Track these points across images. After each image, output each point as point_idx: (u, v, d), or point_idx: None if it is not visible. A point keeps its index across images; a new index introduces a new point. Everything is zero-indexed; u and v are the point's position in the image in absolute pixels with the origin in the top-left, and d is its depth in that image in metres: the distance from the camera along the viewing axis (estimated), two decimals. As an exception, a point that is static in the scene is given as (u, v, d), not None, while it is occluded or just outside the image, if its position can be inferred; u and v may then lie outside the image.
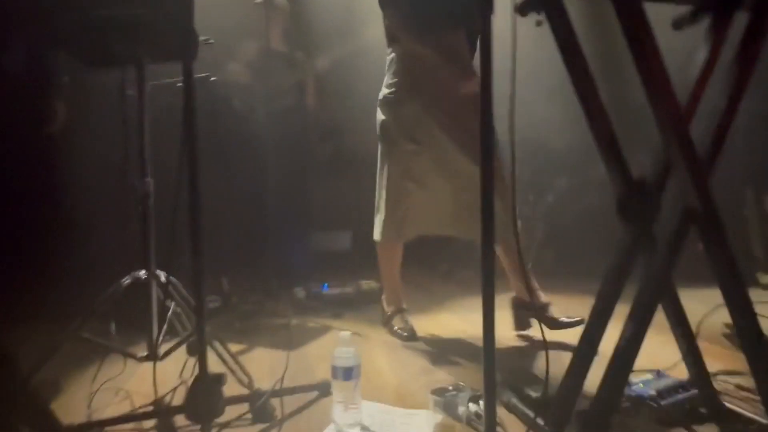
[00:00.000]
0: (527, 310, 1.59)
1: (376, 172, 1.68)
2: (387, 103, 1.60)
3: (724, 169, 0.83)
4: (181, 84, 0.98)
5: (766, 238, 2.13)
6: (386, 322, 1.69)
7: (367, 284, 2.20)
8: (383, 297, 1.76)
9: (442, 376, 1.29)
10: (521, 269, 1.54)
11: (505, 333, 1.61)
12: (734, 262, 0.77)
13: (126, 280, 1.22)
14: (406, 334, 1.60)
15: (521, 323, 1.60)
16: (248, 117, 2.46)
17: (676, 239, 0.79)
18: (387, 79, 1.61)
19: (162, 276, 1.21)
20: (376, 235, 1.66)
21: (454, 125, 1.51)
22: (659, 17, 0.89)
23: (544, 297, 1.57)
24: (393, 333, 1.64)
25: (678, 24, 0.88)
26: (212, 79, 2.23)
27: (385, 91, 1.62)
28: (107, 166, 1.88)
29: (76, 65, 1.34)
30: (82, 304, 1.24)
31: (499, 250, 1.54)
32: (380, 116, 1.63)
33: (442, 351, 1.51)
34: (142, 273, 1.21)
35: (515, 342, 1.57)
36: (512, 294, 1.62)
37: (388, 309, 1.71)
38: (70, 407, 1.11)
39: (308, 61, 2.60)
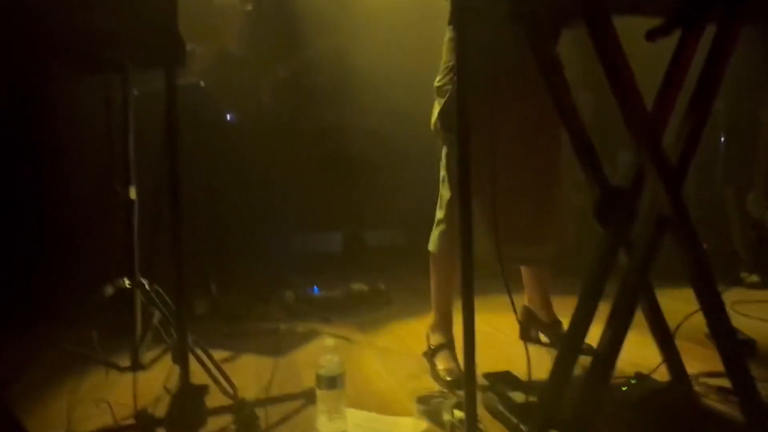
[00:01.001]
0: (536, 324, 1.50)
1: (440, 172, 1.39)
2: (445, 90, 1.33)
3: (704, 169, 0.85)
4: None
5: (748, 237, 2.17)
6: (429, 357, 1.36)
7: (357, 286, 2.20)
8: (431, 324, 1.42)
9: (430, 383, 1.29)
10: (545, 284, 1.46)
11: (501, 336, 1.60)
12: (707, 266, 0.79)
13: (109, 288, 1.21)
14: (449, 378, 1.25)
15: (527, 335, 1.51)
16: (232, 120, 2.44)
17: (650, 245, 0.80)
18: (444, 62, 1.35)
19: (146, 283, 1.20)
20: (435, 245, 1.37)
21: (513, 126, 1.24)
22: (639, 28, 0.91)
23: (555, 315, 1.48)
24: (434, 374, 1.31)
25: (651, 36, 0.89)
26: (202, 84, 2.23)
27: (441, 77, 1.35)
28: (91, 172, 1.86)
29: (62, 72, 1.32)
30: (64, 313, 1.22)
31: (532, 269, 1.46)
32: (438, 106, 1.36)
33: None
34: (126, 280, 1.20)
35: (510, 347, 1.56)
36: (524, 303, 1.52)
37: (434, 339, 1.37)
38: (48, 420, 1.09)
39: (268, 65, 2.48)
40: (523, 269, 1.53)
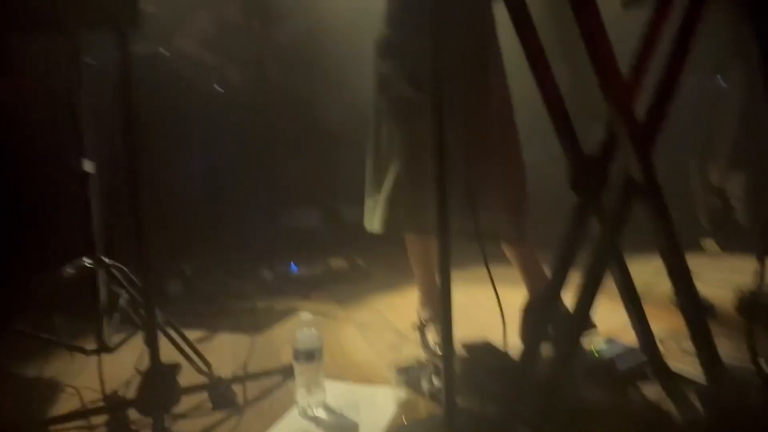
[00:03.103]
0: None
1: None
2: (385, 45, 1.22)
3: (669, 140, 0.86)
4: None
5: (710, 206, 2.27)
6: (420, 330, 1.39)
7: (335, 262, 2.18)
8: (420, 299, 1.44)
9: (409, 354, 1.30)
10: (538, 269, 1.27)
11: (477, 308, 1.61)
12: (674, 231, 0.81)
13: (69, 268, 1.14)
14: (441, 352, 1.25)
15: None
16: (205, 92, 2.32)
17: (620, 209, 0.81)
18: (385, 15, 1.23)
19: (108, 262, 1.14)
20: (372, 224, 1.30)
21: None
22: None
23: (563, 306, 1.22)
24: (425, 346, 1.34)
25: (627, 3, 0.88)
26: (162, 52, 2.09)
27: (383, 30, 1.24)
28: (49, 146, 1.73)
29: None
30: (20, 295, 1.15)
31: (509, 247, 1.30)
32: (378, 63, 1.25)
33: (409, 328, 1.53)
34: (86, 260, 1.13)
35: (487, 317, 1.53)
36: (526, 297, 1.32)
37: (424, 314, 1.41)
38: (11, 407, 1.04)
39: (266, 32, 2.45)
40: (514, 262, 1.35)
